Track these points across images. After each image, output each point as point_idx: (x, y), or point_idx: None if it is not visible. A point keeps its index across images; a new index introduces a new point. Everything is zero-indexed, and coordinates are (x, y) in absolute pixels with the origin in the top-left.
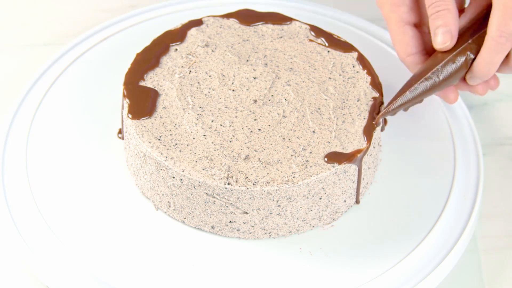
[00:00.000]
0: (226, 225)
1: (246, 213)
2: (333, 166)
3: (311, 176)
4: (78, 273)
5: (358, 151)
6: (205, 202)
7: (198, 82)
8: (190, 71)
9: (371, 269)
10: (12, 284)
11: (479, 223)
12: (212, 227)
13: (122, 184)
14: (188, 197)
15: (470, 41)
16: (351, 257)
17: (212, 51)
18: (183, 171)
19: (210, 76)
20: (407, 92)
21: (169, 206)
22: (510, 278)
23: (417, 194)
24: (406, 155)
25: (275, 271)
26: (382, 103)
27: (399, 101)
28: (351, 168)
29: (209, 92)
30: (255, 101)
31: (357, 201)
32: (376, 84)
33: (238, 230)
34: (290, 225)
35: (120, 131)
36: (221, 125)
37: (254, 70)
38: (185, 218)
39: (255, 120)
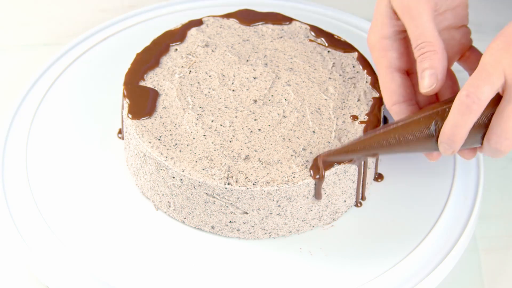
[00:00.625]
0: (226, 225)
1: (246, 213)
2: (333, 166)
3: (311, 176)
4: (78, 273)
5: None
6: (205, 202)
7: (198, 82)
8: (190, 71)
9: (371, 269)
10: (12, 284)
11: (479, 223)
12: (212, 227)
13: (122, 184)
14: (188, 197)
15: (445, 107)
16: (351, 257)
17: (212, 51)
18: (183, 171)
19: (210, 76)
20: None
21: (169, 206)
22: (510, 278)
23: (417, 194)
24: (406, 155)
25: (275, 271)
26: (382, 103)
27: (344, 148)
28: (351, 168)
29: (209, 92)
30: (255, 101)
31: (358, 203)
32: (376, 84)
33: (238, 230)
34: (290, 225)
35: (120, 131)
36: (221, 125)
37: (254, 70)
38: (185, 218)
39: (255, 120)
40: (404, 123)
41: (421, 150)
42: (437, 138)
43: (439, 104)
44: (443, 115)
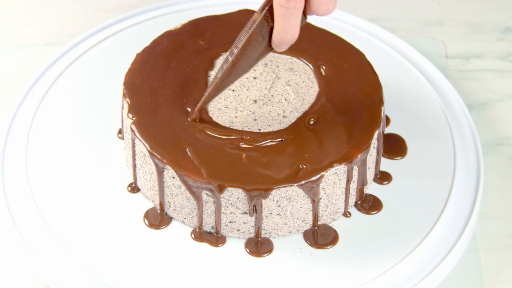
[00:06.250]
0: (226, 225)
1: (246, 213)
2: (333, 166)
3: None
4: (78, 273)
5: (358, 151)
6: (205, 202)
7: None
8: None
9: (371, 269)
10: (12, 284)
11: (479, 223)
12: (212, 227)
13: (122, 184)
14: (188, 197)
15: (263, 11)
16: (351, 257)
17: None
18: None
19: (210, 76)
20: (213, 79)
21: (169, 206)
22: (510, 278)
23: (417, 194)
24: (406, 155)
25: (275, 271)
26: (382, 103)
27: (210, 91)
28: (351, 168)
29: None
30: (255, 101)
31: (359, 202)
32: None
33: (238, 230)
34: (290, 225)
35: (120, 131)
36: None
37: (254, 70)
38: (185, 218)
39: (255, 120)
40: (240, 50)
41: (261, 58)
42: (270, 42)
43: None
44: (261, 20)
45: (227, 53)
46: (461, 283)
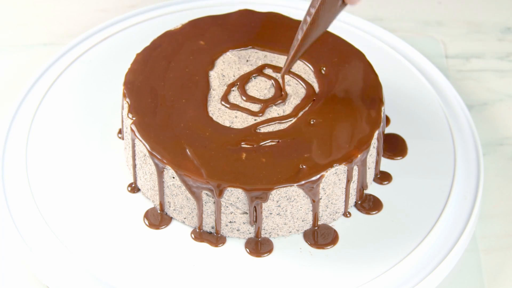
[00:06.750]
0: (226, 225)
1: (246, 213)
2: (333, 166)
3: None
4: (78, 273)
5: (358, 151)
6: (205, 202)
7: None
8: None
9: (371, 269)
10: (12, 284)
11: (479, 223)
12: (212, 227)
13: (122, 184)
14: (188, 197)
15: None
16: (351, 257)
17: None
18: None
19: (210, 76)
20: (294, 41)
21: (169, 206)
22: (510, 278)
23: (417, 194)
24: (406, 155)
25: (275, 271)
26: (382, 103)
27: (292, 53)
28: (351, 168)
29: (209, 92)
30: None
31: (358, 202)
32: (375, 84)
33: (238, 230)
34: (290, 225)
35: (120, 131)
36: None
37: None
38: (185, 218)
39: (255, 120)
40: (318, 8)
41: (336, 15)
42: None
43: None
44: None
45: (305, 13)
46: (461, 283)
